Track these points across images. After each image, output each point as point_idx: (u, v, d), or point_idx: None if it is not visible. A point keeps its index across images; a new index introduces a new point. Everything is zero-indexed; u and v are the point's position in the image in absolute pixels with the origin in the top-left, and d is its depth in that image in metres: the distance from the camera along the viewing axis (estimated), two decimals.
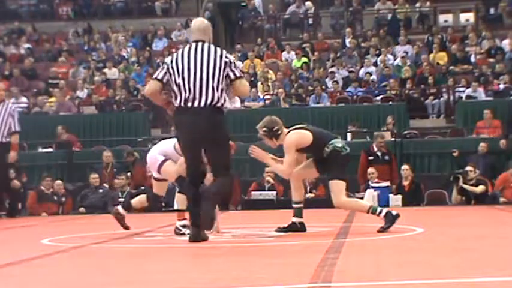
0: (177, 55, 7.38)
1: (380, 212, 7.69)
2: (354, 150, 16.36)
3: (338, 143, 7.69)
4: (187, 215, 7.68)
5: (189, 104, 7.08)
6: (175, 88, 7.19)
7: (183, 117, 7.17)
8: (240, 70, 7.46)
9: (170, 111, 7.45)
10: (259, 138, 8.04)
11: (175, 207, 8.50)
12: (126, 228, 8.85)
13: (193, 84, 7.10)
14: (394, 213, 7.72)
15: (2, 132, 13.34)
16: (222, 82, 7.11)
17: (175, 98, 7.19)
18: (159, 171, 8.39)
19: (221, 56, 7.18)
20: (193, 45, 7.31)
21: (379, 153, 15.22)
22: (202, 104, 7.06)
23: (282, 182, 13.69)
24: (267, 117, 7.91)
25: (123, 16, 25.74)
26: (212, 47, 7.27)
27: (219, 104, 7.11)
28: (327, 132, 8.07)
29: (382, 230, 7.62)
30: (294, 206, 7.98)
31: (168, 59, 7.55)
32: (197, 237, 7.12)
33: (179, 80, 7.16)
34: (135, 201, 8.91)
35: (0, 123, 13.31)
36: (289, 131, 7.79)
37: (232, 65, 7.23)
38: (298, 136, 7.70)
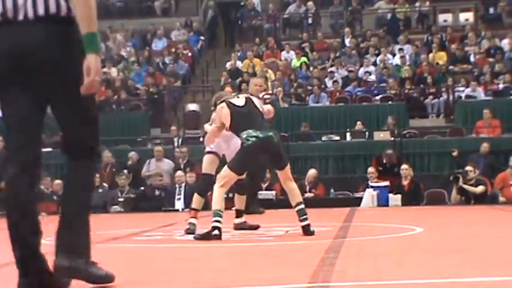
0: None
1: (213, 222, 7.29)
2: (354, 150, 16.60)
3: (244, 134, 7.41)
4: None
5: (10, 16, 3.87)
6: None
7: None
8: None
9: None
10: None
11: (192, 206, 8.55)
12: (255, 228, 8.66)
13: None
14: (214, 232, 7.24)
15: None
16: None
17: None
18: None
19: None
20: None
21: (388, 166, 15.27)
22: (31, 15, 3.85)
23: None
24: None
25: (123, 16, 25.72)
26: None
27: (62, 13, 3.88)
28: (248, 123, 7.53)
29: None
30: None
31: None
32: None
33: None
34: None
35: None
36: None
37: None
38: (221, 108, 7.76)
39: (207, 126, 8.38)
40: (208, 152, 8.48)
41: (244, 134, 7.42)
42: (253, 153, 7.50)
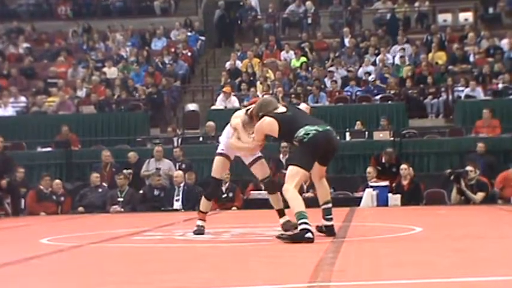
0: None
1: (300, 224, 6.81)
2: (354, 150, 16.58)
3: (301, 132, 7.06)
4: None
5: None
6: None
7: None
8: None
9: None
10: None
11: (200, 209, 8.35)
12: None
13: None
14: (307, 235, 6.74)
15: None
16: None
17: None
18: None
19: None
20: None
21: (387, 165, 15.24)
22: None
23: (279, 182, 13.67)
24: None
25: (122, 15, 25.73)
26: None
27: None
28: (300, 122, 7.19)
29: (279, 236, 7.06)
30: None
31: None
32: None
33: None
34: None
35: None
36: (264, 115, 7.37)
37: None
38: (268, 123, 7.28)
39: (235, 141, 7.66)
40: (220, 154, 8.09)
41: (301, 132, 7.04)
42: (318, 146, 7.09)
